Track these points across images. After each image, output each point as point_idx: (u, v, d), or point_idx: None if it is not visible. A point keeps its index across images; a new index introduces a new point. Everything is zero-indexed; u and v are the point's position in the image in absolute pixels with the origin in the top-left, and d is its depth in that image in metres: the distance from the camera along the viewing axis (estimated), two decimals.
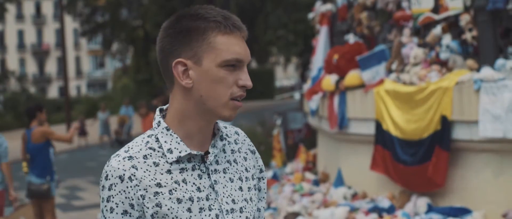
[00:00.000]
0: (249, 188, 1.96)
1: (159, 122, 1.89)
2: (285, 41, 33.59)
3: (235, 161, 1.97)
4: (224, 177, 1.91)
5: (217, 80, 1.79)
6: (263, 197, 2.10)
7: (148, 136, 1.89)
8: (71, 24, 57.53)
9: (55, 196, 8.36)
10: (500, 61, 6.46)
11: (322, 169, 10.80)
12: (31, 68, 67.91)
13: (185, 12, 1.84)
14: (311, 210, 8.63)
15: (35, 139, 8.04)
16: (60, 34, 30.38)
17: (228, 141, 1.99)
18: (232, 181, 1.92)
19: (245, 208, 1.92)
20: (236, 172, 1.95)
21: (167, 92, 1.95)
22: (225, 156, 1.95)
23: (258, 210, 2.06)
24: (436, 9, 7.67)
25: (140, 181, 1.80)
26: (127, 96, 44.31)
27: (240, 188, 1.93)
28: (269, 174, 11.81)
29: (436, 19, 7.60)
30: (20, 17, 66.63)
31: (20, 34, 67.75)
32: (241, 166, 1.98)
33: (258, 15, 33.71)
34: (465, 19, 6.95)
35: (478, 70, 6.73)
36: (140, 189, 1.80)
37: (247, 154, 2.03)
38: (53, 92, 65.97)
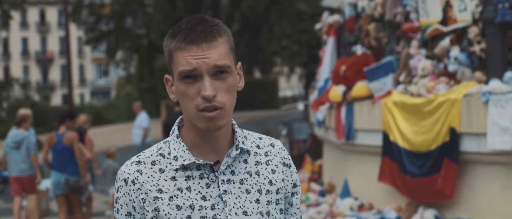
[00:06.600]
0: (268, 201, 1.94)
1: (174, 129, 1.96)
2: (289, 51, 33.63)
3: (257, 172, 1.95)
4: (239, 188, 1.91)
5: (181, 93, 1.86)
6: (294, 213, 2.05)
7: (164, 142, 1.96)
8: (75, 32, 57.64)
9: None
10: (508, 74, 6.47)
11: (328, 180, 10.80)
12: (35, 75, 67.99)
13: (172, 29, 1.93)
14: None
15: (66, 141, 9.05)
16: (65, 42, 30.43)
17: (256, 152, 1.98)
18: (248, 193, 1.91)
19: None
20: (255, 184, 1.94)
21: None
22: (246, 167, 1.95)
23: None
24: (445, 21, 7.67)
25: (142, 185, 1.88)
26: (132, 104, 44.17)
27: (257, 201, 1.92)
28: None
29: (444, 31, 7.62)
30: (24, 24, 66.75)
31: (24, 41, 67.87)
32: (265, 178, 1.96)
33: (263, 25, 33.77)
34: (473, 32, 6.97)
35: (486, 82, 6.75)
36: (141, 193, 1.88)
37: (277, 167, 2.00)
38: (56, 99, 66.01)
